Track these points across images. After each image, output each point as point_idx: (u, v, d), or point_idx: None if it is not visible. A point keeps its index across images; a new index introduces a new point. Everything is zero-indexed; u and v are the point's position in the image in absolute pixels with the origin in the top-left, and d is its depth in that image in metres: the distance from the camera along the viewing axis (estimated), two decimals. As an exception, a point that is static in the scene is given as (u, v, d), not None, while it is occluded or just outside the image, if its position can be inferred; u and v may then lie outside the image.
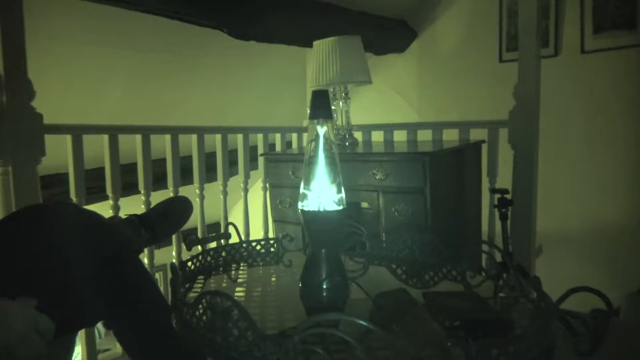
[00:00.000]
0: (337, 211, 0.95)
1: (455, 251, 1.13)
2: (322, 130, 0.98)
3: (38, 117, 1.65)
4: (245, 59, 3.02)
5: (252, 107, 3.36)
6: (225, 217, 2.35)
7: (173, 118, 2.79)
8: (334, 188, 0.97)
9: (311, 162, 0.98)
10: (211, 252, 1.18)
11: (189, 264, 1.10)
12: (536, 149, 2.22)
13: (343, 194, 0.97)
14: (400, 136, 2.63)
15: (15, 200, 1.59)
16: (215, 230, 3.23)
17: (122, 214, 1.55)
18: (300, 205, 0.95)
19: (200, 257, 1.14)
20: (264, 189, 2.51)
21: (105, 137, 1.87)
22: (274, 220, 2.21)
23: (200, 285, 1.09)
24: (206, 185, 2.24)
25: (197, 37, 2.56)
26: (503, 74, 2.82)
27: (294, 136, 2.82)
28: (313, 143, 0.98)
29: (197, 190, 2.21)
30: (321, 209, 0.95)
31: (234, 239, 1.28)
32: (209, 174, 2.28)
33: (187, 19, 2.15)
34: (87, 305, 1.01)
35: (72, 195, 1.80)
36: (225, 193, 2.33)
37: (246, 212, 2.45)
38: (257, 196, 2.60)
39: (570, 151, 2.90)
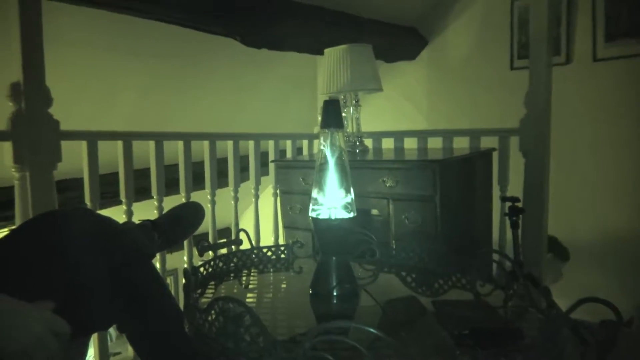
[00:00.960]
0: (347, 219, 0.96)
1: (465, 259, 1.13)
2: (333, 138, 0.99)
3: (55, 123, 1.69)
4: (256, 64, 3.06)
5: (263, 113, 3.39)
6: (236, 223, 2.37)
7: (184, 123, 2.82)
8: (344, 196, 0.98)
9: (322, 169, 0.99)
10: (223, 258, 1.19)
11: (201, 269, 1.12)
12: (547, 157, 2.21)
13: (353, 202, 0.98)
14: (410, 144, 2.64)
15: (32, 204, 1.63)
16: (226, 235, 3.25)
17: (136, 219, 1.57)
18: (311, 212, 0.97)
19: (212, 263, 1.16)
20: (275, 195, 2.53)
21: (120, 143, 1.90)
22: (284, 227, 2.22)
23: (211, 290, 1.11)
24: (217, 191, 2.26)
25: (208, 43, 2.59)
26: (514, 81, 2.82)
27: (305, 143, 2.83)
28: (324, 151, 0.99)
29: (208, 196, 2.24)
30: (332, 217, 0.96)
31: (245, 245, 1.30)
32: (220, 179, 2.30)
33: (199, 27, 2.19)
34: (100, 309, 1.03)
35: (87, 200, 1.83)
36: (236, 199, 2.36)
37: (257, 218, 2.47)
38: (268, 202, 2.62)
39: (581, 159, 2.88)
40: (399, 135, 2.65)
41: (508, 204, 1.77)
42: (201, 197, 2.11)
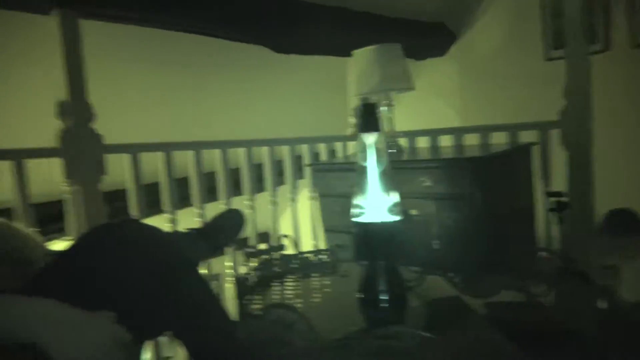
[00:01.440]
0: (392, 222, 0.97)
1: (511, 258, 1.11)
2: (372, 141, 1.00)
3: (99, 138, 1.76)
4: (284, 69, 3.09)
5: (295, 117, 3.42)
6: (276, 228, 2.39)
7: (218, 131, 2.87)
8: (387, 198, 0.98)
9: (362, 173, 1.00)
10: (269, 264, 1.21)
11: (249, 275, 1.14)
12: (591, 148, 2.15)
13: (398, 204, 0.98)
14: (445, 141, 2.61)
15: (82, 217, 1.70)
16: (265, 239, 3.30)
17: (180, 227, 1.62)
18: (354, 217, 0.97)
19: (258, 269, 1.18)
20: (312, 198, 2.54)
21: (160, 154, 1.96)
22: (325, 230, 2.23)
23: (260, 296, 1.13)
24: (255, 196, 2.30)
25: (236, 50, 2.63)
26: (551, 72, 2.74)
27: (338, 145, 2.84)
28: (363, 154, 1.00)
29: (247, 202, 2.27)
30: (376, 221, 0.97)
31: (288, 250, 1.32)
32: (257, 184, 2.33)
33: (228, 36, 2.24)
34: (151, 318, 1.07)
35: (132, 211, 1.90)
36: (275, 204, 2.38)
37: (295, 222, 2.49)
38: (305, 205, 2.63)
39: (622, 148, 2.78)
40: (434, 133, 2.62)
41: (552, 199, 1.72)
42: (240, 202, 2.15)
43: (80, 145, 1.70)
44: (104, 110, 1.82)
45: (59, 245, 2.38)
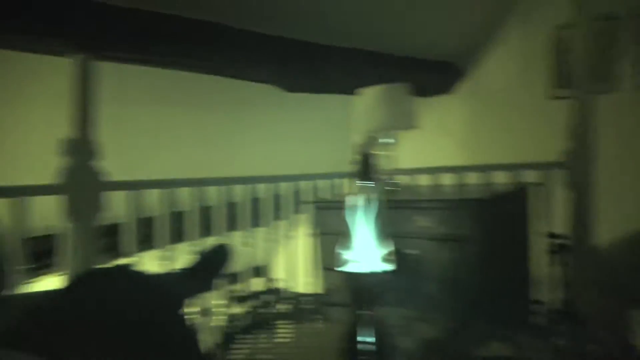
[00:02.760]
0: (384, 272, 0.94)
1: (505, 304, 1.08)
2: (367, 191, 0.99)
3: (99, 175, 1.77)
4: (288, 108, 3.12)
5: (296, 154, 3.43)
6: (269, 268, 2.36)
7: (219, 167, 2.89)
8: (379, 248, 0.96)
9: (355, 222, 0.98)
10: (258, 308, 1.19)
11: (235, 321, 1.12)
12: (594, 190, 2.11)
13: (392, 253, 0.96)
14: (449, 180, 2.59)
15: (75, 254, 1.69)
16: (260, 273, 3.27)
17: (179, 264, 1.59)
18: (340, 266, 0.95)
19: (247, 313, 1.15)
20: (312, 235, 2.52)
21: (161, 192, 1.97)
22: (324, 268, 2.19)
23: (248, 340, 1.10)
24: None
25: (242, 90, 2.66)
26: (555, 112, 2.73)
27: (339, 182, 2.83)
28: (358, 205, 0.99)
29: (239, 238, 2.25)
30: (366, 270, 0.94)
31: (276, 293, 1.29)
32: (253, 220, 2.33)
33: (242, 77, 2.27)
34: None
35: (126, 247, 1.89)
36: (271, 240, 2.36)
37: (293, 260, 2.46)
38: (303, 242, 2.60)
39: (629, 191, 2.72)
40: (435, 172, 2.60)
41: (552, 241, 1.69)
42: (235, 238, 2.13)
43: (80, 182, 1.71)
44: (113, 147, 1.83)
45: (49, 280, 2.37)
